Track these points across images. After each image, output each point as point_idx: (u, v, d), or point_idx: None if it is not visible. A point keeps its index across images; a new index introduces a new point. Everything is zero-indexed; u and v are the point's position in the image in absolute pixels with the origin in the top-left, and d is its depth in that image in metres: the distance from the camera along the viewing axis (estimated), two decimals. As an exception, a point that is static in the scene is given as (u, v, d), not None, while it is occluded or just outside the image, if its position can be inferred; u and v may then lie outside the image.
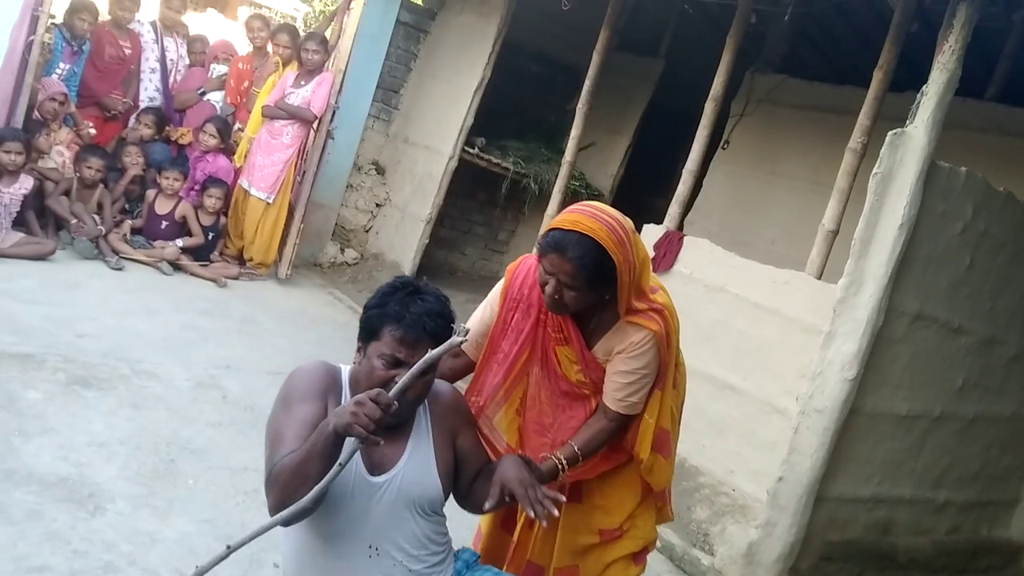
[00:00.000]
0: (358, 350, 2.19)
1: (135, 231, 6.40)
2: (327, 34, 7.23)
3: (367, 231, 8.20)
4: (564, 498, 2.29)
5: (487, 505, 2.23)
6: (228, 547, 2.05)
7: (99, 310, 5.02)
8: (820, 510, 3.99)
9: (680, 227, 5.38)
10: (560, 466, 2.44)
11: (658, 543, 4.22)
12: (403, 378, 1.99)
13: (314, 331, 6.03)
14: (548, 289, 2.33)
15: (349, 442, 1.95)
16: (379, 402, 1.92)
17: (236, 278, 6.64)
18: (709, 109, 5.32)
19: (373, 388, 2.02)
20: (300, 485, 1.95)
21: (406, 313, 2.10)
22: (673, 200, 5.34)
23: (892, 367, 4.07)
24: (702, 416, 4.74)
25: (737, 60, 5.55)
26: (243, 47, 7.62)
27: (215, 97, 7.26)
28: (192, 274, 6.37)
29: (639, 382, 2.46)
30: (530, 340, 2.51)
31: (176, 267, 6.30)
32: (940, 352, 4.28)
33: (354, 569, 2.16)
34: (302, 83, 6.80)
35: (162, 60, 7.05)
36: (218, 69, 7.29)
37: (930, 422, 4.40)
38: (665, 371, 2.52)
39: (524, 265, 2.56)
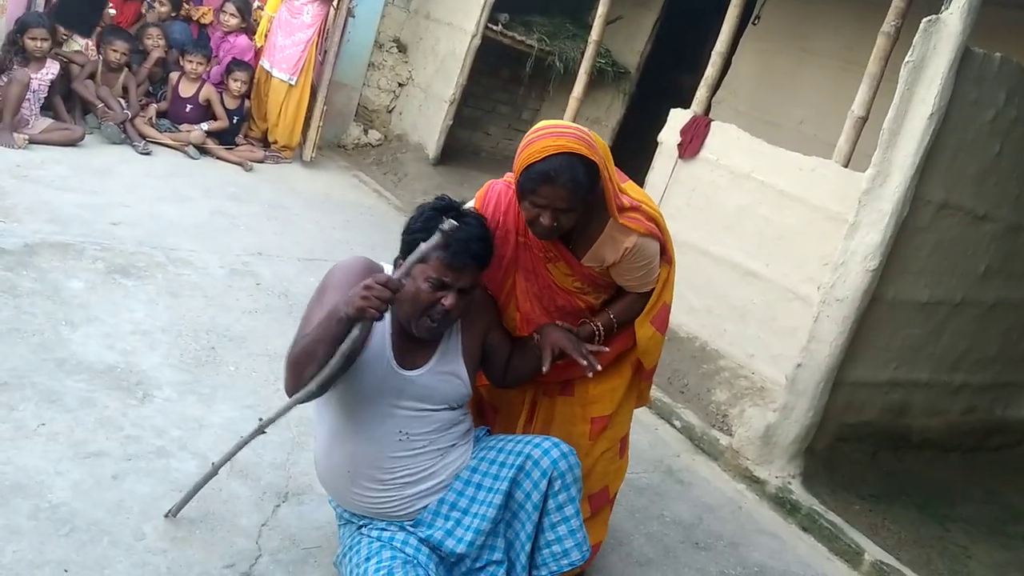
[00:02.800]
0: (398, 266, 2.30)
1: (160, 115, 6.41)
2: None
3: (390, 112, 8.15)
4: (607, 349, 2.58)
5: (544, 367, 2.44)
6: (260, 420, 2.46)
7: (131, 197, 5.10)
8: (837, 394, 4.11)
9: (707, 111, 5.32)
10: (597, 331, 2.60)
11: (678, 423, 4.40)
12: (405, 264, 2.17)
13: (340, 215, 6.10)
14: (543, 222, 2.31)
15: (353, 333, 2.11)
16: (388, 285, 2.06)
17: (262, 161, 6.68)
18: (740, -12, 5.18)
19: (419, 309, 2.25)
20: (307, 365, 2.16)
21: (451, 238, 2.16)
22: (701, 83, 5.26)
23: (915, 255, 4.10)
24: (724, 301, 4.83)
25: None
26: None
27: (234, -27, 7.11)
28: (218, 158, 6.42)
29: (649, 266, 2.57)
30: (514, 264, 2.55)
31: (202, 151, 6.35)
32: (964, 239, 4.30)
33: (383, 451, 2.35)
34: (321, -42, 6.65)
35: (171, -67, 6.89)
36: (234, -57, 7.11)
37: (951, 308, 4.47)
38: (668, 247, 2.64)
39: (492, 192, 2.57)
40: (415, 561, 2.31)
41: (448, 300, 2.24)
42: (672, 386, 4.70)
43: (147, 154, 5.97)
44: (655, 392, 4.56)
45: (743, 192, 4.81)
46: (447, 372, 2.41)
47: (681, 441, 4.33)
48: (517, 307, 2.61)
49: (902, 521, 3.97)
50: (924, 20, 3.70)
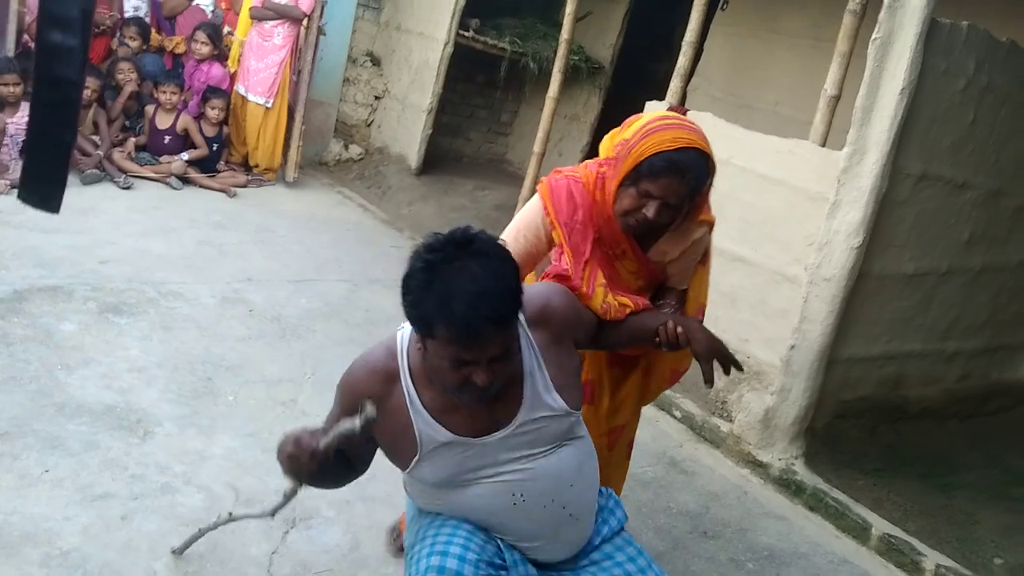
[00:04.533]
0: (414, 330, 1.86)
1: (139, 148, 6.42)
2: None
3: (368, 125, 8.17)
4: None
5: (709, 384, 2.32)
6: (231, 513, 2.38)
7: (117, 233, 5.11)
8: (832, 372, 4.14)
9: (682, 101, 5.35)
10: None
11: (678, 414, 4.43)
12: (331, 435, 1.83)
13: (327, 234, 6.12)
14: (647, 213, 2.21)
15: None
16: (313, 456, 1.83)
17: (245, 186, 6.69)
18: (705, -25, 5.19)
19: (451, 388, 1.82)
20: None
21: (453, 307, 1.70)
22: (674, 74, 5.28)
23: (898, 229, 4.14)
24: (715, 289, 4.79)
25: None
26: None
27: (204, 1, 7.14)
28: (201, 186, 6.43)
29: (696, 260, 2.58)
30: (595, 259, 2.40)
31: (185, 180, 6.35)
32: (945, 209, 4.33)
33: (496, 515, 1.99)
34: (287, -20, 6.66)
35: (141, -34, 6.90)
36: (202, -29, 7.14)
37: (937, 278, 4.50)
38: (709, 247, 2.62)
39: (560, 185, 2.42)
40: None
41: (480, 378, 1.77)
42: (669, 377, 4.72)
43: (128, 188, 5.98)
44: (653, 385, 4.60)
45: (724, 178, 4.76)
46: (538, 411, 1.96)
47: (683, 431, 4.37)
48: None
49: (906, 493, 4.01)
50: (887, -4, 3.73)
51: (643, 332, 2.31)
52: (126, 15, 6.82)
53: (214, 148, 6.64)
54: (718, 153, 4.78)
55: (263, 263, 5.21)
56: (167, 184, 6.25)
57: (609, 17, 8.46)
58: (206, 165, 6.57)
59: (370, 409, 1.81)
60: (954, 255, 4.52)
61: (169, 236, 5.31)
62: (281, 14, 6.61)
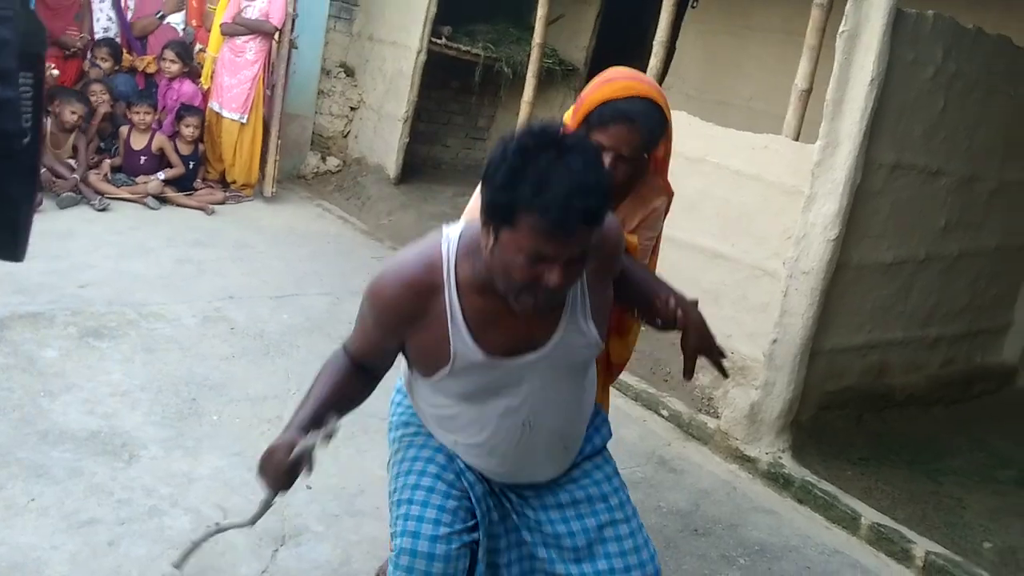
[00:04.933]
0: (484, 224, 1.71)
1: (115, 169, 6.39)
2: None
3: (345, 136, 8.16)
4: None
5: (688, 378, 2.19)
6: (217, 524, 2.29)
7: (95, 256, 5.09)
8: (816, 364, 4.17)
9: (656, 100, 5.36)
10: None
11: (665, 412, 4.45)
12: (295, 453, 1.80)
13: (307, 247, 6.10)
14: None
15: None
16: (283, 466, 1.80)
17: (223, 203, 6.67)
18: (673, -25, 5.22)
19: (516, 286, 1.70)
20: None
21: (550, 198, 1.58)
22: (647, 74, 5.30)
23: (874, 219, 4.17)
24: (696, 286, 4.85)
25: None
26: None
27: (175, 19, 7.12)
28: (179, 205, 6.40)
29: (651, 240, 2.49)
30: None
31: (162, 200, 6.33)
32: (920, 197, 4.37)
33: (500, 441, 1.98)
34: (257, -6, 6.65)
35: (109, -14, 6.86)
36: (173, -11, 7.11)
37: (916, 265, 4.54)
38: (660, 236, 2.56)
39: None
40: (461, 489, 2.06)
41: (553, 278, 1.66)
42: (655, 375, 4.74)
43: (105, 210, 5.94)
44: (640, 384, 4.62)
45: (700, 176, 4.86)
46: (573, 341, 1.91)
47: (670, 430, 4.38)
48: None
49: (894, 481, 4.03)
50: (853, -11, 3.76)
51: (645, 293, 2.17)
52: (96, 36, 6.79)
53: (190, 166, 6.61)
54: (693, 151, 4.85)
55: (243, 280, 5.19)
56: (144, 204, 6.22)
57: (581, 19, 8.48)
58: (183, 183, 6.54)
59: (335, 427, 1.83)
60: (931, 242, 4.55)
61: (148, 256, 5.29)
62: (252, 29, 6.60)
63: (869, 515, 3.70)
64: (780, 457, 4.01)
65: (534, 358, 1.88)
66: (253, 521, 2.11)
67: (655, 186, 2.42)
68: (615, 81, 2.23)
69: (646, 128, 2.19)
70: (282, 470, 1.81)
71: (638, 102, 2.18)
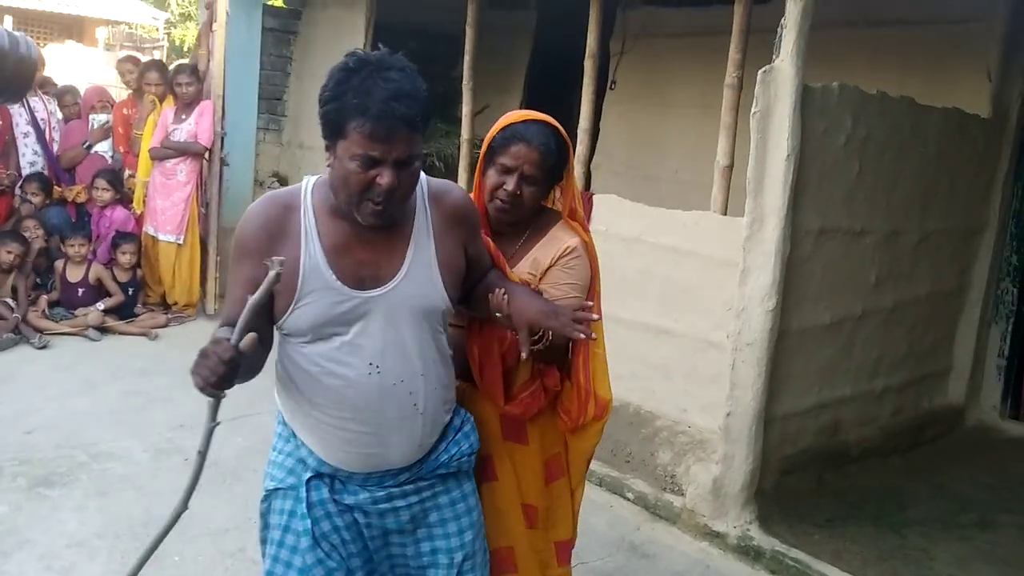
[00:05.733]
0: (326, 148, 1.91)
1: (52, 304, 6.31)
2: (199, 48, 7.12)
3: (284, 244, 8.16)
4: (592, 303, 2.36)
5: (523, 355, 2.15)
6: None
7: (39, 398, 4.99)
8: (771, 431, 4.22)
9: (587, 185, 5.51)
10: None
11: (630, 495, 4.45)
12: (242, 316, 1.77)
13: (257, 362, 6.04)
14: (508, 187, 2.31)
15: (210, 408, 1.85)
16: (219, 354, 1.73)
17: (166, 325, 6.61)
18: (588, 66, 5.40)
19: (355, 193, 1.86)
20: None
21: (369, 101, 1.78)
22: (574, 161, 5.43)
23: (809, 284, 4.29)
24: (646, 363, 4.93)
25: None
26: (118, 85, 7.51)
27: (102, 147, 7.13)
28: (121, 333, 6.33)
29: (574, 287, 2.42)
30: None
31: (103, 330, 6.25)
32: (849, 257, 4.51)
33: (349, 387, 2.01)
34: (183, 117, 6.71)
35: (33, 121, 6.86)
36: (98, 119, 7.15)
37: (854, 322, 4.66)
38: (596, 285, 2.51)
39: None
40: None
41: (384, 179, 1.83)
42: (616, 457, 4.75)
43: (45, 347, 5.86)
44: (603, 468, 4.62)
45: (638, 256, 4.97)
46: (419, 285, 2.02)
47: (637, 512, 4.38)
48: None
49: (861, 540, 4.08)
50: (760, 72, 3.93)
51: (486, 291, 2.22)
52: (24, 172, 6.77)
53: (130, 292, 6.56)
54: (628, 231, 4.96)
55: (194, 405, 5.03)
56: (86, 337, 6.13)
57: (506, 107, 8.60)
58: (124, 311, 6.48)
59: (277, 263, 1.79)
60: (866, 298, 4.69)
61: (94, 392, 5.20)
62: (182, 151, 6.64)
63: (841, 578, 3.73)
64: (748, 529, 4.03)
65: (379, 292, 1.98)
66: (204, 449, 1.95)
67: (569, 228, 2.48)
68: (513, 113, 2.43)
69: (543, 145, 2.32)
70: (224, 359, 1.73)
71: (534, 124, 2.35)
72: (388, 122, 1.79)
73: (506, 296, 2.17)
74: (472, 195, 2.42)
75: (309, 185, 2.03)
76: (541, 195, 2.42)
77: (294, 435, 2.17)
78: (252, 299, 1.79)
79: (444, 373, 2.15)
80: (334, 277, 1.95)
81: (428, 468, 2.16)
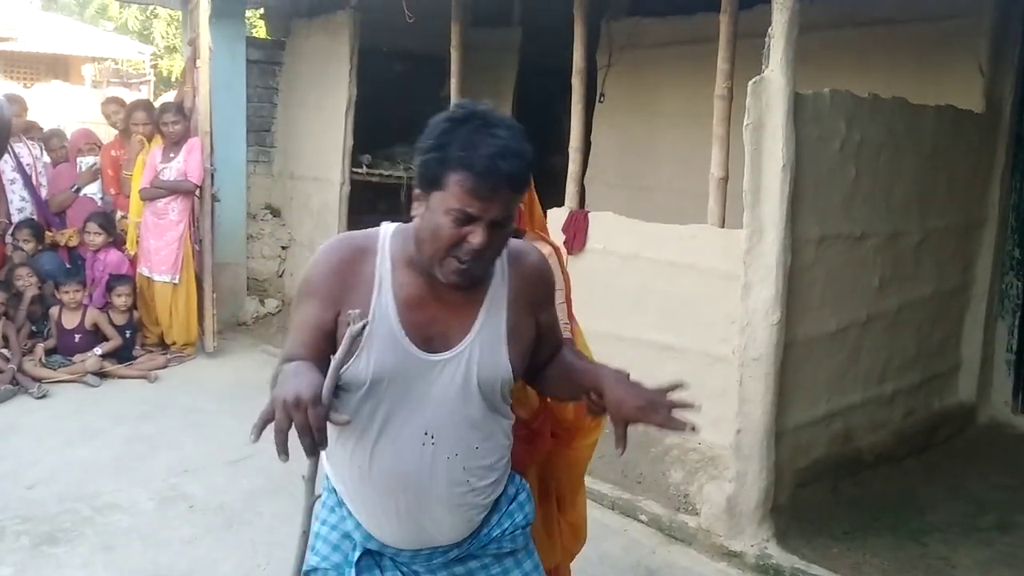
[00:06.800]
0: (416, 198, 1.82)
1: (49, 352, 6.24)
2: (184, 85, 7.08)
3: (280, 276, 8.14)
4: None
5: (622, 453, 2.02)
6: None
7: (40, 450, 4.93)
8: (783, 444, 4.16)
9: (582, 203, 5.46)
10: None
11: (644, 518, 4.39)
12: (328, 378, 1.68)
13: (257, 399, 5.79)
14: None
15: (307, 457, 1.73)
16: (315, 426, 1.58)
17: (165, 366, 6.54)
18: (576, 83, 5.37)
19: (442, 249, 1.76)
20: None
21: (475, 156, 1.71)
22: (568, 180, 5.41)
23: (812, 292, 4.23)
24: (651, 380, 4.81)
25: (591, 10, 5.60)
26: (104, 124, 7.47)
27: (91, 190, 7.08)
28: (120, 377, 6.26)
29: (559, 298, 2.43)
30: None
31: (102, 375, 6.18)
32: (851, 263, 4.46)
33: (401, 455, 1.88)
34: (171, 155, 6.66)
35: (19, 167, 6.80)
36: (86, 161, 7.10)
37: (860, 327, 4.60)
38: (568, 292, 2.58)
39: None
40: None
41: (477, 237, 1.74)
42: (627, 479, 4.69)
43: (44, 397, 5.79)
44: (614, 492, 4.55)
45: (637, 272, 4.92)
46: (487, 352, 1.91)
47: (652, 535, 4.30)
48: None
49: (880, 550, 4.01)
50: (750, 83, 3.88)
51: (579, 384, 2.06)
52: (13, 218, 6.72)
53: (127, 335, 6.50)
54: (626, 248, 4.91)
55: (197, 448, 5.05)
56: (84, 383, 6.07)
57: (495, 125, 8.63)
58: (122, 354, 6.42)
59: (358, 317, 1.71)
60: (870, 302, 4.63)
61: (96, 439, 5.14)
62: (172, 190, 6.59)
63: (864, 593, 3.66)
64: (766, 547, 3.96)
65: (446, 356, 1.86)
66: (314, 498, 1.92)
67: (535, 239, 2.49)
68: None
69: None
70: (318, 427, 1.60)
71: None
72: (492, 179, 1.71)
73: (599, 397, 2.01)
74: None
75: (388, 231, 1.93)
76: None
77: (340, 504, 2.03)
78: (336, 358, 1.71)
79: (504, 446, 2.01)
80: (403, 332, 1.84)
81: (479, 543, 2.02)
